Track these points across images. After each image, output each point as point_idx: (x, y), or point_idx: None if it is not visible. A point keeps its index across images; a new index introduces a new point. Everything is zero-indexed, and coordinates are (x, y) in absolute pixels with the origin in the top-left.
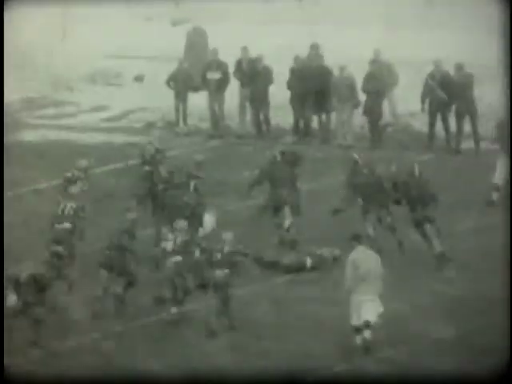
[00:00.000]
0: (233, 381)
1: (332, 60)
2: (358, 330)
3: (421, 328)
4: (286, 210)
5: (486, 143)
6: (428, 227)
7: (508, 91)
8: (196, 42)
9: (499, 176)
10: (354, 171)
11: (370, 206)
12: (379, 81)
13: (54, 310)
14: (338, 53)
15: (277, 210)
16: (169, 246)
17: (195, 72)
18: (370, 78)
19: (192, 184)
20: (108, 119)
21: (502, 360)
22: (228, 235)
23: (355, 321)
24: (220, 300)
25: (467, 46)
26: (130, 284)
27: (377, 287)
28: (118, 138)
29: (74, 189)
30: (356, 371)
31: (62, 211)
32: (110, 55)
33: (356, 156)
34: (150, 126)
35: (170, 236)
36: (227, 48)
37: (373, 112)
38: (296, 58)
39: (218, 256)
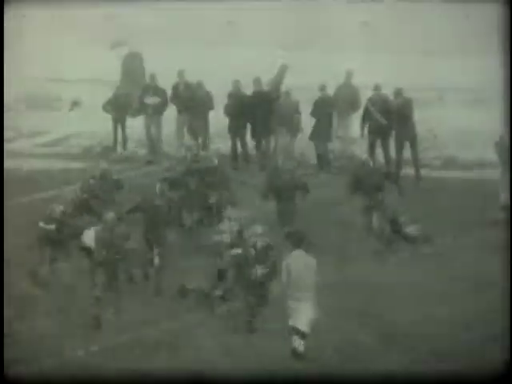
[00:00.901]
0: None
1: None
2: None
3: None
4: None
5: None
6: (378, 213)
7: (508, 109)
8: (132, 66)
9: (505, 195)
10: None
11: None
12: (330, 106)
13: None
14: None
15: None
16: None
17: (133, 96)
18: (320, 102)
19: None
20: (45, 144)
21: (502, 361)
22: (258, 229)
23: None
24: (256, 298)
25: (407, 70)
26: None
27: (308, 293)
28: (56, 164)
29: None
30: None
31: (50, 213)
32: (49, 79)
33: (280, 161)
34: (87, 151)
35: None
36: (166, 71)
37: (320, 137)
38: (234, 83)
39: (253, 252)
